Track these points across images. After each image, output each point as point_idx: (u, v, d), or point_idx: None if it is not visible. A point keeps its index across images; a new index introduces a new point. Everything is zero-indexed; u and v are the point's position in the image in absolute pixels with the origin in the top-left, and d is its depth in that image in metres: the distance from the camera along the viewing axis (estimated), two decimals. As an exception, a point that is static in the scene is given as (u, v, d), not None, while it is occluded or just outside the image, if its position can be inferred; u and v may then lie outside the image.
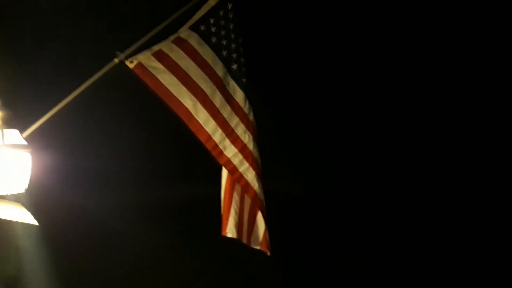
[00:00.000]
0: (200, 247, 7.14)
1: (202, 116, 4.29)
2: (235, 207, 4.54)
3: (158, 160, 7.30)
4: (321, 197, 8.90)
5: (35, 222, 3.74)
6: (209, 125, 4.31)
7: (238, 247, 4.74)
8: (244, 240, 4.63)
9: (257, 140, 4.55)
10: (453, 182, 9.43)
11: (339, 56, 8.51)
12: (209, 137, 4.32)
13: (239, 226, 4.55)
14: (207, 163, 4.59)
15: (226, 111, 4.42)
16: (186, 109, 4.24)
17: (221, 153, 4.37)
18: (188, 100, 4.24)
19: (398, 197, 9.39)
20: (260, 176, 4.48)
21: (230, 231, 4.51)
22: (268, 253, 4.59)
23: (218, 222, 4.59)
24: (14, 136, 3.57)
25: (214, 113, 4.34)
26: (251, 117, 4.53)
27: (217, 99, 4.38)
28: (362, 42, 8.52)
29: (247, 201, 4.61)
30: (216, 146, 4.35)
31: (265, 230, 4.58)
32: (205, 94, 4.32)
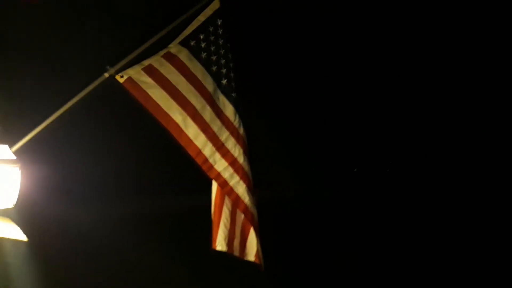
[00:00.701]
0: (190, 259, 7.11)
1: (191, 131, 4.30)
2: (225, 220, 4.55)
3: (147, 173, 7.29)
4: (316, 204, 8.94)
5: (24, 237, 3.72)
6: (199, 139, 4.32)
7: (231, 258, 4.74)
8: (236, 253, 4.64)
9: (247, 153, 4.57)
10: (450, 183, 9.52)
11: (332, 65, 8.58)
12: (199, 152, 4.33)
13: (229, 239, 4.55)
14: (197, 176, 4.59)
15: (216, 125, 4.43)
16: (176, 123, 4.25)
17: (211, 167, 4.39)
18: (177, 115, 4.26)
19: (393, 200, 9.46)
20: (251, 189, 4.50)
21: (219, 244, 4.52)
22: (261, 264, 4.59)
23: (208, 234, 4.60)
24: (3, 151, 3.57)
25: (204, 127, 4.35)
26: (241, 131, 4.56)
27: (207, 114, 4.40)
28: (356, 48, 8.60)
29: (239, 214, 4.62)
30: (206, 160, 4.36)
31: (256, 242, 4.59)
32: (195, 108, 4.34)
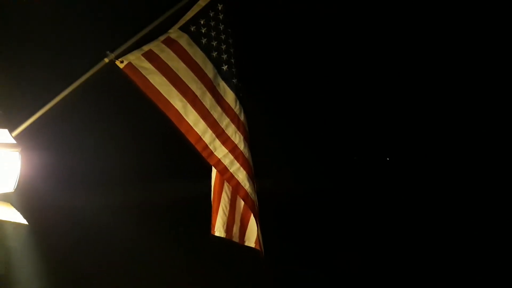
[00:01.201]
0: (191, 245, 7.15)
1: (192, 117, 4.29)
2: (224, 207, 4.56)
3: (148, 159, 7.30)
4: (318, 195, 8.95)
5: (24, 221, 3.73)
6: (199, 126, 4.31)
7: (232, 246, 4.76)
8: (236, 239, 4.66)
9: (248, 140, 4.56)
10: (451, 181, 9.53)
11: (333, 56, 8.57)
12: (199, 138, 4.32)
13: (228, 225, 4.57)
14: (197, 162, 4.60)
15: (216, 112, 4.42)
16: (176, 110, 4.24)
17: (211, 153, 4.38)
18: (178, 102, 4.24)
19: (394, 196, 9.47)
20: (252, 176, 4.50)
21: (218, 230, 4.55)
22: (261, 250, 4.61)
23: (208, 220, 4.62)
24: (3, 135, 3.57)
25: (204, 114, 4.34)
26: (242, 117, 4.54)
27: (207, 100, 4.38)
28: (355, 41, 8.58)
29: (239, 200, 4.63)
30: (206, 147, 4.35)
31: (256, 228, 4.60)
32: (195, 95, 4.32)
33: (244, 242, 4.70)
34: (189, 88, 4.31)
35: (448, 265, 8.47)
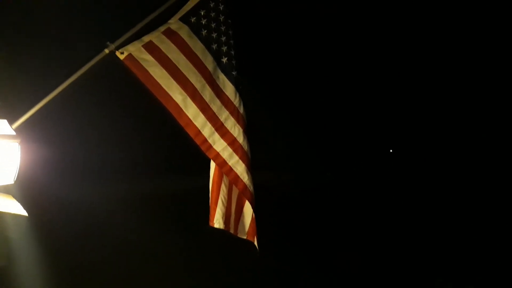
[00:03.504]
0: (192, 237, 7.16)
1: (191, 111, 4.29)
2: (223, 198, 4.57)
3: (147, 152, 7.30)
4: (317, 190, 8.95)
5: (24, 212, 3.73)
6: (198, 119, 4.32)
7: (232, 239, 4.77)
8: (231, 231, 4.67)
9: (247, 133, 4.56)
10: (451, 180, 9.52)
11: (334, 47, 8.55)
12: (198, 132, 4.33)
13: (226, 217, 4.58)
14: (197, 155, 4.59)
15: (215, 105, 4.42)
16: (176, 103, 4.25)
17: (210, 147, 4.39)
18: (178, 95, 4.25)
19: (394, 193, 9.48)
20: (250, 169, 4.50)
21: (217, 222, 4.55)
22: (255, 242, 4.62)
23: (207, 212, 4.62)
24: (3, 126, 3.56)
25: (204, 107, 4.34)
26: (241, 110, 4.53)
27: (207, 93, 4.38)
28: (353, 38, 8.56)
29: (235, 192, 4.64)
30: (205, 140, 4.36)
31: (252, 220, 4.61)
32: (195, 88, 4.32)
33: (237, 233, 4.72)
34: (189, 81, 4.31)
35: (448, 264, 8.48)
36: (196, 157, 4.62)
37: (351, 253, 8.35)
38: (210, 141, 4.37)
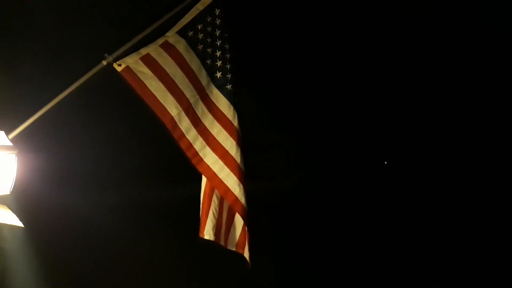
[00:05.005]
0: (183, 247, 7.14)
1: (184, 125, 4.35)
2: (214, 210, 4.57)
3: (145, 162, 7.31)
4: (313, 197, 8.95)
5: (20, 224, 3.73)
6: (190, 133, 4.38)
7: (227, 249, 4.77)
8: (222, 242, 4.67)
9: (241, 145, 4.57)
10: (448, 181, 9.54)
11: (328, 57, 8.59)
12: (190, 145, 4.38)
13: (217, 228, 4.58)
14: (190, 165, 4.61)
15: (207, 120, 4.48)
16: (171, 117, 4.30)
17: (200, 160, 4.43)
18: (173, 108, 4.30)
19: (389, 191, 9.48)
20: (243, 181, 4.50)
21: (207, 233, 4.54)
22: (244, 254, 4.61)
23: (198, 223, 4.62)
24: (0, 137, 3.57)
25: (196, 121, 4.41)
26: (235, 123, 4.56)
27: (199, 108, 4.45)
28: (353, 41, 8.61)
29: (226, 203, 4.64)
30: (196, 153, 4.41)
31: (243, 233, 4.62)
32: (189, 103, 4.38)
33: (227, 245, 4.72)
34: (184, 95, 4.37)
35: (447, 265, 8.48)
36: (190, 166, 4.64)
37: (346, 261, 8.34)
38: (201, 154, 4.43)
